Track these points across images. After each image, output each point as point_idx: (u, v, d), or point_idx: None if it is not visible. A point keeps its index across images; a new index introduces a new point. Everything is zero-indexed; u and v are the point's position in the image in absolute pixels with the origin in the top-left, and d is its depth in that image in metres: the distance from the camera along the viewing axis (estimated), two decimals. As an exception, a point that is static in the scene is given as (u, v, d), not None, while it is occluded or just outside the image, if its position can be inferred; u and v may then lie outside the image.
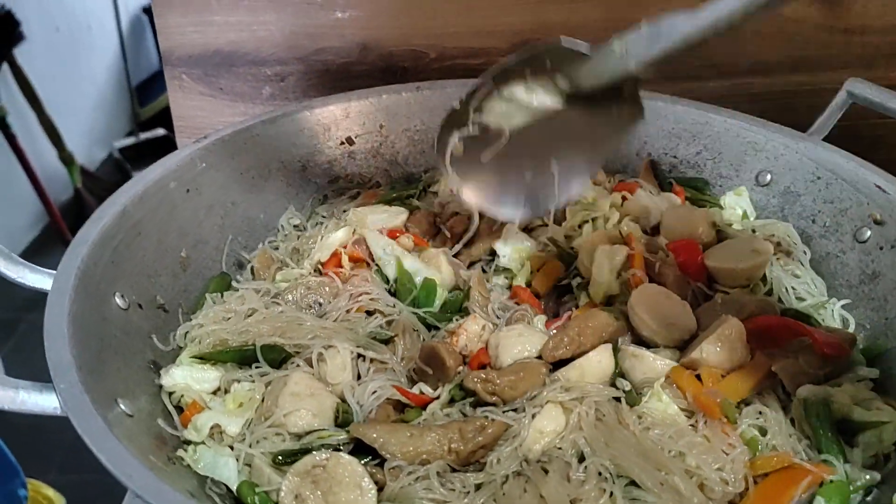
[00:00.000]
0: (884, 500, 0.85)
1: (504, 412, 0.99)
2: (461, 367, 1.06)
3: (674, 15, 0.91)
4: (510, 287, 1.27)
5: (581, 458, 0.94)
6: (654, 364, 1.05)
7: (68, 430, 0.79)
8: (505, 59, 1.11)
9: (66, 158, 4.77)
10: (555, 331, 1.10)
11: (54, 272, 1.00)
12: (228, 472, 0.94)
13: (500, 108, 1.16)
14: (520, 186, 1.18)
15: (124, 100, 5.76)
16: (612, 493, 0.89)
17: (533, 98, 1.14)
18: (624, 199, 1.38)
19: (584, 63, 1.05)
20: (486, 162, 1.18)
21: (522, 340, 1.07)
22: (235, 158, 1.37)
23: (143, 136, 5.60)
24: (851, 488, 0.88)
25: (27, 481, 2.22)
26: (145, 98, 5.74)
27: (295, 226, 1.41)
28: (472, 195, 1.21)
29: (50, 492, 2.48)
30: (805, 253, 1.27)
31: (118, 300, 1.06)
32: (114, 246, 1.09)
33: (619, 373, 1.07)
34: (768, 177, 1.36)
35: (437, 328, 1.15)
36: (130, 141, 5.58)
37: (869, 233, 1.18)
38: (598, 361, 1.05)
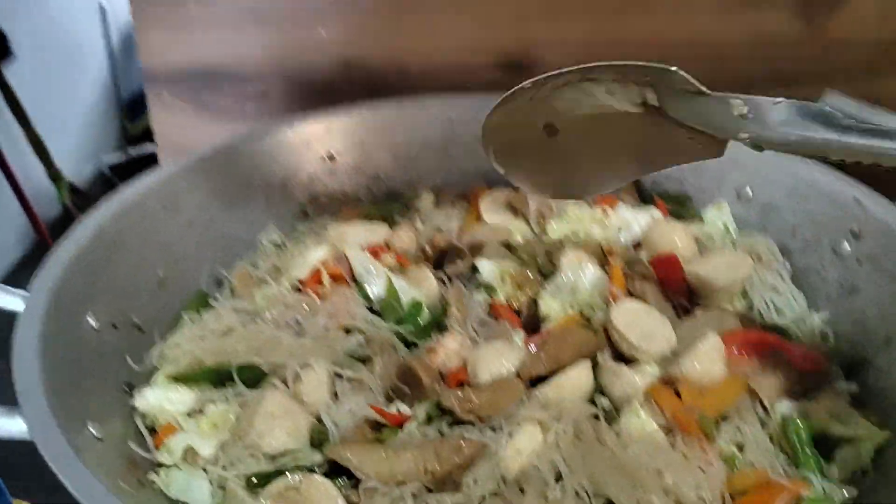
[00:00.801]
0: (863, 513, 0.84)
1: (481, 430, 0.98)
2: (438, 385, 1.05)
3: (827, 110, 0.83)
4: (490, 304, 1.26)
5: (558, 478, 0.93)
6: (632, 380, 1.04)
7: None
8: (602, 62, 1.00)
9: (55, 175, 4.73)
10: (533, 346, 1.09)
11: (27, 294, 0.99)
12: (201, 495, 0.92)
13: (572, 95, 1.06)
14: (560, 168, 1.15)
15: (113, 116, 5.74)
16: (589, 512, 0.88)
17: (613, 100, 1.04)
18: (605, 213, 1.37)
19: (689, 98, 0.95)
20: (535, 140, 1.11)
21: (500, 358, 1.07)
22: (215, 176, 1.36)
23: (133, 152, 5.57)
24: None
25: (14, 502, 2.19)
26: (134, 114, 5.72)
27: (275, 243, 1.40)
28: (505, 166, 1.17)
29: (36, 513, 2.44)
30: (785, 267, 1.26)
31: (91, 320, 1.04)
32: (89, 265, 1.08)
33: (598, 389, 1.06)
34: (749, 191, 1.36)
35: (415, 345, 1.14)
36: (119, 157, 5.55)
37: (848, 246, 1.17)
38: (577, 378, 1.04)
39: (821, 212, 1.24)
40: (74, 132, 5.27)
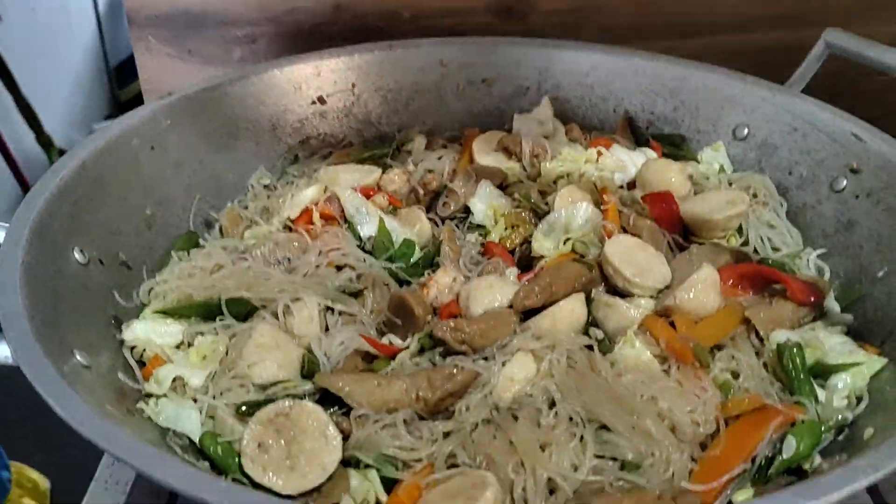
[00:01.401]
0: (856, 438, 0.84)
1: (474, 361, 0.97)
2: (430, 318, 1.04)
3: None
4: (483, 244, 1.24)
5: (552, 405, 0.92)
6: (627, 312, 1.03)
7: (52, 413, 0.76)
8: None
9: (45, 142, 4.69)
10: (526, 282, 1.08)
11: (7, 224, 0.97)
12: (191, 424, 0.91)
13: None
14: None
15: (102, 82, 5.66)
16: (582, 438, 0.87)
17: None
18: (599, 154, 1.35)
19: None
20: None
21: (493, 291, 1.05)
22: (202, 117, 1.33)
23: (123, 118, 5.49)
24: (823, 428, 0.87)
25: (10, 464, 2.18)
26: (124, 80, 5.63)
27: (265, 186, 1.38)
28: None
29: (34, 474, 2.42)
30: (781, 204, 1.25)
31: (77, 255, 1.03)
32: (73, 200, 1.06)
33: (593, 322, 1.05)
34: (745, 130, 1.34)
35: (408, 283, 1.12)
36: (109, 123, 5.48)
37: (845, 182, 1.16)
38: (571, 310, 1.03)
39: (819, 148, 1.22)
40: (64, 98, 5.20)
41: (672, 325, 1.00)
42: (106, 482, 1.20)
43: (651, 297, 1.07)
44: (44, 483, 2.45)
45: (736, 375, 0.95)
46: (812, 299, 1.02)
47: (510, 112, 1.51)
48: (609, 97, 1.48)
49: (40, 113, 4.58)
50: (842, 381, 0.93)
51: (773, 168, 1.29)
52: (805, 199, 1.23)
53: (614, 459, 0.86)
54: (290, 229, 1.22)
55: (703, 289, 1.01)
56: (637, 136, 1.46)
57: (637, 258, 1.09)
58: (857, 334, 1.02)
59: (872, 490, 1.02)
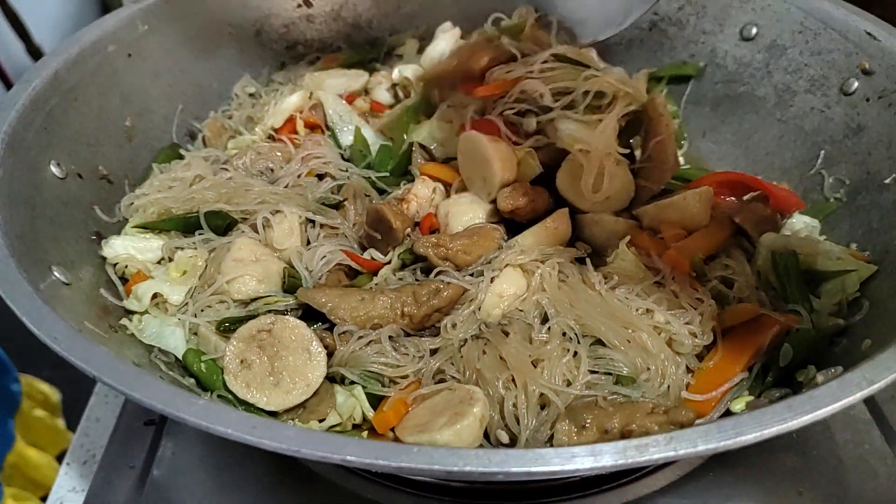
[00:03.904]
0: (854, 350, 0.82)
1: (461, 277, 0.95)
2: (410, 231, 1.01)
3: None
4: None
5: (544, 320, 0.90)
6: (615, 227, 1.00)
7: None
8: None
9: (34, 51, 4.57)
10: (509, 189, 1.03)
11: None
12: (175, 341, 0.90)
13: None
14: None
15: (93, -12, 5.47)
16: (576, 353, 0.86)
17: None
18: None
19: None
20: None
21: (474, 207, 1.02)
22: (182, 21, 1.27)
23: (115, 26, 5.33)
24: (817, 335, 0.85)
25: (20, 377, 2.22)
26: (115, -14, 5.44)
27: (250, 94, 1.33)
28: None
29: (44, 386, 2.47)
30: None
31: (54, 168, 0.99)
32: (46, 111, 1.02)
33: (577, 239, 1.02)
34: (753, 30, 1.27)
35: (388, 192, 1.09)
36: (82, 30, 5.31)
37: (856, 84, 1.10)
38: (556, 227, 1.00)
39: (831, 49, 1.15)
40: (52, 6, 5.03)
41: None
42: (106, 396, 1.21)
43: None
44: (55, 395, 2.50)
45: (729, 285, 0.92)
46: (793, 207, 0.99)
47: (507, 14, 1.43)
48: (611, -4, 1.40)
49: (28, 22, 4.44)
50: (832, 288, 0.91)
51: (782, 70, 1.22)
52: (813, 103, 1.16)
53: (608, 374, 0.85)
54: (274, 139, 1.18)
55: (696, 202, 0.97)
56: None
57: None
58: (859, 243, 0.99)
59: (870, 403, 1.02)
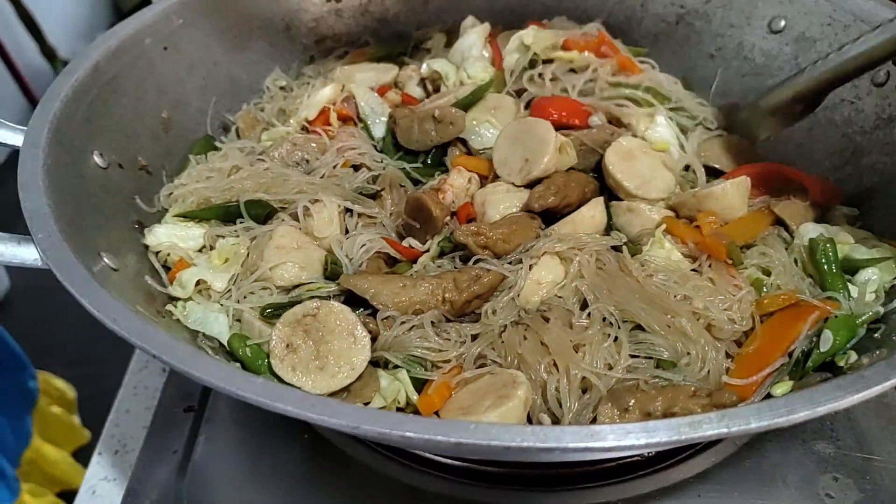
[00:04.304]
0: (893, 333, 0.83)
1: (499, 265, 0.96)
2: (448, 220, 1.02)
3: None
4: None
5: (583, 306, 0.91)
6: (650, 216, 1.01)
7: (77, 322, 0.76)
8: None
9: (48, 52, 4.61)
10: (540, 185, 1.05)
11: (25, 128, 0.95)
12: (219, 326, 0.92)
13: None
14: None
15: (104, -10, 5.50)
16: (616, 338, 0.87)
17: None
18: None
19: None
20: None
21: (510, 196, 1.03)
22: (214, 16, 1.28)
23: (127, 27, 5.35)
24: (857, 322, 0.86)
25: (37, 373, 2.23)
26: (127, -12, 5.47)
27: (281, 87, 1.35)
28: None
29: (60, 383, 2.49)
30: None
31: (97, 158, 1.01)
32: (88, 102, 1.03)
33: (612, 227, 1.03)
34: (782, 23, 1.27)
35: (422, 182, 1.11)
36: (121, 23, 5.33)
37: (887, 75, 1.11)
38: (592, 216, 1.01)
39: (860, 41, 1.16)
40: (66, 8, 5.06)
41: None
42: (135, 388, 1.23)
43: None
44: (70, 392, 2.52)
45: (767, 273, 0.94)
46: (834, 200, 1.00)
47: (532, 7, 1.44)
48: (636, -10, 1.41)
49: (42, 23, 4.48)
50: (871, 276, 0.92)
51: (811, 63, 1.23)
52: (844, 94, 1.17)
53: (649, 358, 0.87)
54: (308, 130, 1.19)
55: (735, 192, 0.98)
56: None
57: (639, 167, 1.06)
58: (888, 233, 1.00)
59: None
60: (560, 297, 0.93)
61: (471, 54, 1.29)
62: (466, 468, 0.98)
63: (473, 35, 1.29)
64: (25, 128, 0.95)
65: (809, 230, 0.96)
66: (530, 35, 1.23)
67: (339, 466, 1.01)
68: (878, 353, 0.78)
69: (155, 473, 1.02)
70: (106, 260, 0.88)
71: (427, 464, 0.99)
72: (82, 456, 2.34)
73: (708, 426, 0.62)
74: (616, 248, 0.99)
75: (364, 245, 0.98)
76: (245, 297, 0.94)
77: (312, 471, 1.01)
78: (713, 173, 1.13)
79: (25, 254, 0.81)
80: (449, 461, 0.98)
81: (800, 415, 0.62)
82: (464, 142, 1.15)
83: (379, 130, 1.19)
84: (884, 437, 0.99)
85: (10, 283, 3.33)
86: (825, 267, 0.91)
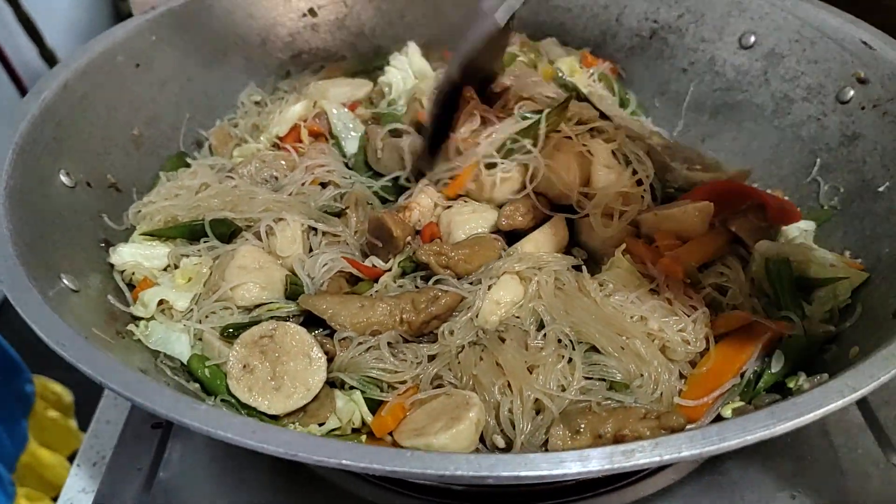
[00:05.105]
0: (842, 357, 0.83)
1: (459, 285, 0.96)
2: (411, 239, 1.03)
3: None
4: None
5: (540, 327, 0.92)
6: (611, 233, 1.01)
7: None
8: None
9: (48, 56, 4.62)
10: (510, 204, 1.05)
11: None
12: (180, 346, 0.93)
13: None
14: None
15: (104, -7, 5.51)
16: (570, 359, 0.88)
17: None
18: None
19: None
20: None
21: (475, 217, 1.04)
22: (189, 31, 1.29)
23: (127, 31, 5.36)
24: (809, 342, 0.87)
25: (33, 377, 2.24)
26: (126, -9, 5.48)
27: (256, 102, 1.36)
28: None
29: (57, 387, 2.50)
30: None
31: (63, 178, 1.02)
32: (56, 121, 1.04)
33: (577, 243, 1.04)
34: (752, 38, 1.28)
35: (391, 201, 1.11)
36: (91, 41, 5.34)
37: (852, 92, 1.11)
38: (553, 233, 1.02)
39: (827, 57, 1.16)
40: (65, 11, 5.08)
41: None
42: (115, 398, 1.24)
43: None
44: (67, 395, 2.52)
45: (723, 292, 0.94)
46: (790, 217, 1.01)
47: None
48: (611, 4, 1.42)
49: (41, 27, 4.50)
50: (825, 295, 0.93)
51: (780, 79, 1.23)
52: (810, 111, 1.18)
53: (602, 380, 0.87)
54: (278, 147, 1.20)
55: (695, 216, 0.98)
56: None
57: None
58: (852, 250, 1.01)
59: (864, 407, 1.03)
60: (518, 317, 0.93)
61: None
62: (432, 486, 0.99)
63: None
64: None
65: (766, 248, 0.96)
66: None
67: (305, 485, 1.01)
68: (819, 377, 0.79)
69: (121, 490, 1.02)
70: (65, 282, 0.89)
71: (393, 482, 0.99)
72: (79, 461, 2.35)
73: (641, 454, 0.62)
74: (576, 268, 0.99)
75: (326, 264, 0.99)
76: (206, 317, 0.95)
77: (279, 488, 1.02)
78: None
79: (-20, 276, 0.82)
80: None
81: (731, 442, 0.62)
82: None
83: (351, 147, 1.20)
84: (843, 454, 0.99)
85: (5, 288, 3.34)
86: (779, 286, 0.91)
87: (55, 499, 2.12)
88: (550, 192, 1.04)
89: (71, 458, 2.32)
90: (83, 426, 2.47)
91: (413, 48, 1.37)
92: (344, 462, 0.62)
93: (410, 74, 1.28)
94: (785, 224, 1.01)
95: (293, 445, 0.63)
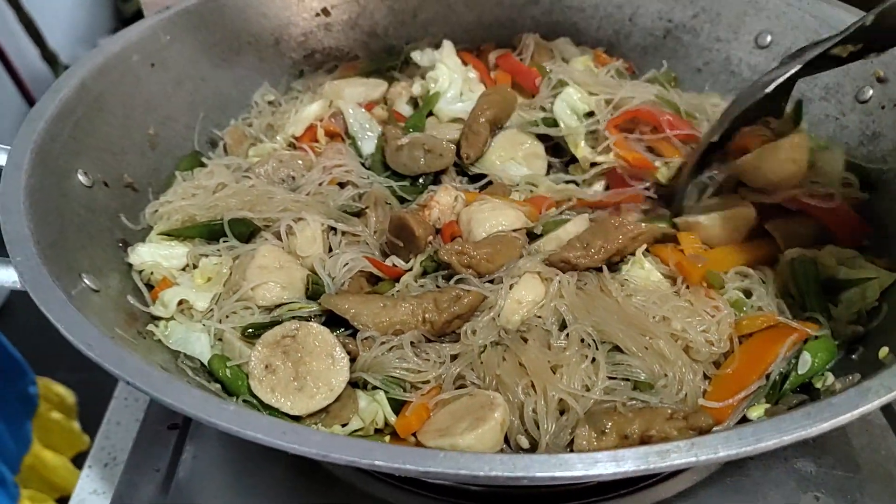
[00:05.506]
0: (870, 358, 0.83)
1: (480, 284, 0.96)
2: (432, 238, 1.02)
3: None
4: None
5: (562, 327, 0.92)
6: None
7: None
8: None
9: (49, 57, 4.62)
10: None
11: (8, 147, 0.95)
12: (200, 346, 0.92)
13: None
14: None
15: (105, -5, 5.51)
16: (594, 359, 0.87)
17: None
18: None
19: None
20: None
21: (496, 214, 1.03)
22: (202, 31, 1.29)
23: (128, 33, 5.36)
24: (836, 343, 0.86)
25: (37, 379, 2.24)
26: (127, -7, 5.48)
27: (269, 102, 1.35)
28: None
29: (60, 389, 2.49)
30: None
31: (81, 177, 1.01)
32: (74, 121, 1.04)
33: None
34: (768, 38, 1.28)
35: (409, 201, 1.11)
36: (107, 40, 5.35)
37: (871, 92, 1.11)
38: (576, 230, 1.01)
39: (845, 56, 1.16)
40: (66, 13, 5.08)
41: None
42: (126, 399, 1.23)
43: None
44: (70, 397, 2.52)
45: (748, 294, 0.93)
46: (854, 240, 1.00)
47: (522, 22, 1.45)
48: (625, 4, 1.41)
49: (43, 28, 4.49)
50: (852, 297, 0.92)
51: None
52: (828, 110, 1.17)
53: (626, 380, 0.87)
54: (295, 147, 1.20)
55: (721, 225, 0.98)
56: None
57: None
58: (874, 250, 1.00)
59: (886, 409, 1.03)
60: (540, 317, 0.93)
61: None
62: (450, 487, 0.98)
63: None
64: (9, 147, 0.95)
65: (792, 252, 0.95)
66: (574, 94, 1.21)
67: (323, 486, 1.01)
68: (850, 378, 0.78)
69: (138, 491, 1.02)
70: (87, 281, 0.88)
71: (411, 482, 0.99)
72: (82, 462, 2.34)
73: (676, 455, 0.62)
74: (598, 268, 0.99)
75: (347, 264, 0.98)
76: (227, 317, 0.94)
77: (295, 488, 1.01)
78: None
79: (4, 275, 0.82)
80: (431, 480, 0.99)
81: (768, 443, 0.62)
82: (460, 169, 1.16)
83: (368, 147, 1.20)
84: (866, 456, 0.99)
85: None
86: (805, 288, 0.91)
87: (59, 500, 2.12)
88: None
89: (74, 460, 2.31)
90: (86, 428, 2.47)
91: (448, 46, 1.36)
92: (377, 463, 0.61)
93: (459, 74, 1.27)
94: (852, 243, 1.00)
95: (325, 446, 0.63)
